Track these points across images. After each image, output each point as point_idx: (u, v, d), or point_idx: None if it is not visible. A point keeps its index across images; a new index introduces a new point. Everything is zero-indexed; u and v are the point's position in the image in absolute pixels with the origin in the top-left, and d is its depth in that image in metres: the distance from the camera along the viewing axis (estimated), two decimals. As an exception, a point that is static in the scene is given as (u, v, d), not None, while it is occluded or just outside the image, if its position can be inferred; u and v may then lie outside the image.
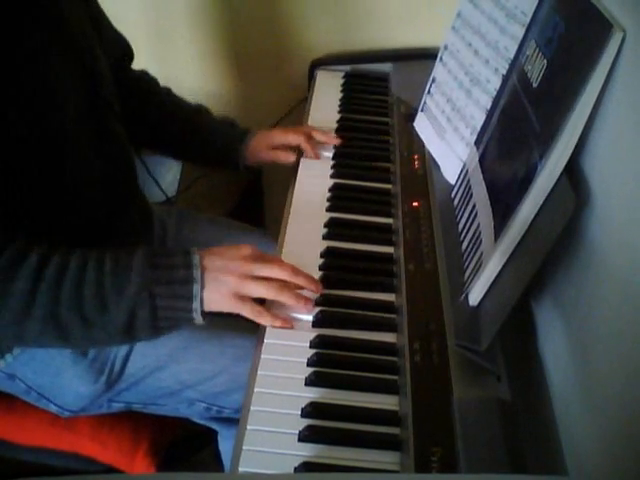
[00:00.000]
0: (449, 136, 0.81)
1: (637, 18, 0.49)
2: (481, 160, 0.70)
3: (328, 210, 0.81)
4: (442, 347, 0.58)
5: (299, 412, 0.57)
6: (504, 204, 0.59)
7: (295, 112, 1.16)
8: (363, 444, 0.55)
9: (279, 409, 0.57)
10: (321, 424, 0.56)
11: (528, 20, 0.67)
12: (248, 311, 0.62)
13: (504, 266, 0.56)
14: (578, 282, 0.52)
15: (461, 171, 0.75)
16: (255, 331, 0.66)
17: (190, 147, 0.93)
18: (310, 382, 0.60)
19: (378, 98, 1.06)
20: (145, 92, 0.91)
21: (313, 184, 0.86)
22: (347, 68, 1.13)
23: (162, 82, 0.95)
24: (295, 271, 0.65)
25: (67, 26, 0.69)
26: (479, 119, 0.74)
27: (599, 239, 0.50)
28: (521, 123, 0.60)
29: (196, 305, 0.60)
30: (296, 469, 0.53)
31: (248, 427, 0.56)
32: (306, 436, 0.55)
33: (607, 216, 0.49)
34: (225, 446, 0.82)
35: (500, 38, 0.73)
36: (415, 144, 0.88)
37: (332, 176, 0.88)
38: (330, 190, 0.85)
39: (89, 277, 0.59)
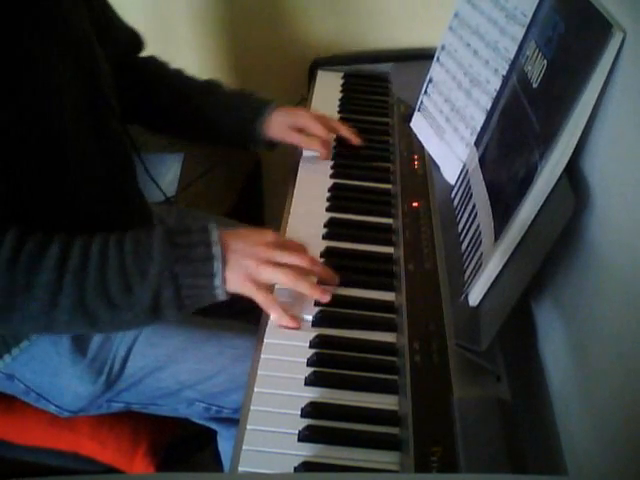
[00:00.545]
0: (448, 136, 0.81)
1: (637, 18, 0.49)
2: (481, 160, 0.70)
3: (328, 210, 0.81)
4: (442, 347, 0.59)
5: (299, 412, 0.57)
6: (504, 204, 0.59)
7: (295, 112, 1.16)
8: (363, 444, 0.55)
9: (279, 409, 0.57)
10: (321, 424, 0.56)
11: (528, 20, 0.67)
12: (261, 298, 0.62)
13: (504, 266, 0.56)
14: (578, 282, 0.52)
15: (461, 171, 0.75)
16: (254, 332, 0.66)
17: (204, 128, 0.90)
18: (310, 382, 0.60)
19: (378, 98, 1.06)
20: (154, 75, 0.90)
21: (313, 184, 0.86)
22: (347, 68, 1.13)
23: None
24: (314, 261, 0.65)
25: (67, 26, 0.68)
26: (479, 119, 0.74)
27: (599, 239, 0.50)
28: (521, 123, 0.60)
29: (218, 282, 0.60)
30: (296, 469, 0.53)
31: (248, 427, 0.56)
32: (306, 436, 0.55)
33: (607, 216, 0.49)
34: (224, 446, 0.82)
35: (500, 39, 0.73)
36: (415, 144, 0.88)
37: (332, 176, 0.88)
38: (330, 190, 0.85)
39: (112, 262, 0.59)
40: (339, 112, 1.02)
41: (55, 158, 0.67)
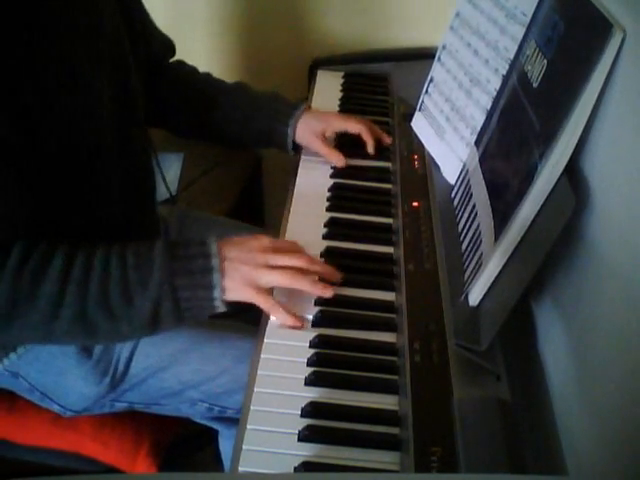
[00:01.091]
0: (449, 136, 0.81)
1: (637, 18, 0.49)
2: (481, 160, 0.70)
3: (328, 210, 0.81)
4: (442, 347, 0.59)
5: (299, 412, 0.57)
6: (504, 204, 0.59)
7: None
8: (363, 444, 0.55)
9: (279, 409, 0.57)
10: (321, 424, 0.56)
11: (528, 20, 0.67)
12: (263, 302, 0.63)
13: (504, 266, 0.56)
14: (578, 282, 0.52)
15: (461, 171, 0.75)
16: (256, 333, 0.66)
17: (233, 129, 0.89)
18: (310, 382, 0.60)
19: (378, 98, 1.06)
20: (185, 80, 0.90)
21: (313, 183, 0.86)
22: (347, 68, 1.13)
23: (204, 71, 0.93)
24: (312, 260, 0.65)
25: (102, 32, 0.68)
26: (479, 119, 0.74)
27: (599, 239, 0.50)
28: (521, 123, 0.60)
29: (217, 294, 0.60)
30: (296, 469, 0.53)
31: (248, 427, 0.56)
32: (306, 436, 0.55)
33: (607, 216, 0.49)
34: (225, 446, 0.82)
35: (500, 38, 0.73)
36: (415, 144, 0.88)
37: (332, 176, 0.88)
38: (330, 190, 0.85)
39: (114, 274, 0.59)
40: (339, 112, 1.02)
41: (79, 160, 0.66)
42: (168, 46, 0.90)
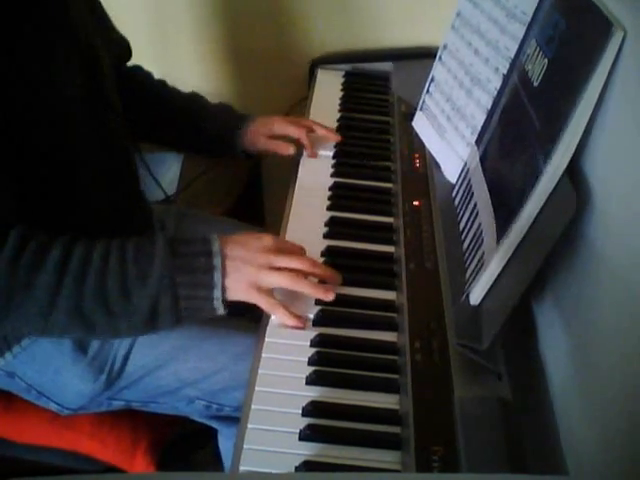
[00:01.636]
0: (449, 135, 0.81)
1: (637, 18, 0.49)
2: (482, 159, 0.70)
3: (329, 209, 0.81)
4: (443, 346, 0.58)
5: (300, 411, 0.57)
6: (505, 203, 0.59)
7: (295, 111, 1.16)
8: (364, 443, 0.55)
9: (280, 408, 0.57)
10: (322, 423, 0.56)
11: (528, 19, 0.67)
12: (264, 303, 0.63)
13: (505, 266, 0.56)
14: (579, 282, 0.52)
15: (462, 170, 0.75)
16: (255, 330, 0.66)
17: (186, 136, 0.92)
18: (311, 381, 0.60)
19: (379, 97, 1.05)
20: (140, 85, 0.91)
21: (314, 183, 0.86)
22: (348, 67, 1.13)
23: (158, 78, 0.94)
24: (314, 263, 0.65)
25: (73, 27, 0.69)
26: (480, 118, 0.74)
27: (600, 239, 0.50)
28: (522, 122, 0.60)
29: (217, 294, 0.60)
30: (297, 468, 0.53)
31: (249, 426, 0.56)
32: (307, 435, 0.55)
33: (608, 216, 0.49)
34: (225, 445, 0.82)
35: (500, 37, 0.73)
36: (416, 143, 0.88)
37: (333, 175, 0.88)
38: (331, 189, 0.85)
39: (112, 267, 0.59)
40: (340, 111, 1.02)
41: (58, 157, 0.67)
42: (126, 48, 0.90)
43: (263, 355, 0.62)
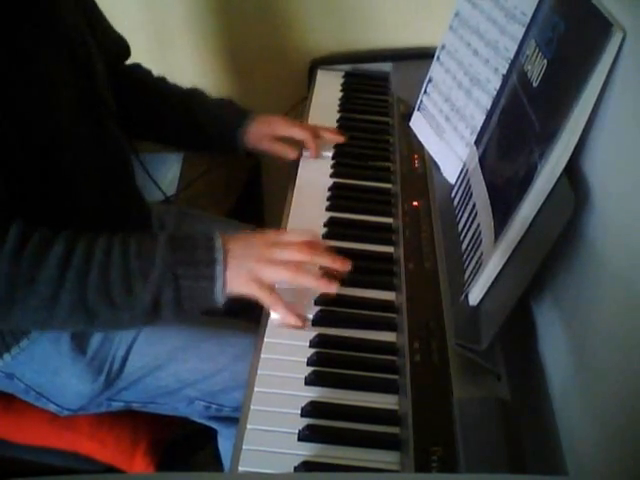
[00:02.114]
0: (448, 136, 0.81)
1: (637, 18, 0.49)
2: (481, 160, 0.70)
3: (328, 209, 0.81)
4: (442, 347, 0.58)
5: (299, 411, 0.57)
6: (504, 204, 0.59)
7: (295, 111, 1.16)
8: (363, 443, 0.55)
9: (279, 408, 0.57)
10: (321, 423, 0.56)
11: (528, 20, 0.67)
12: (265, 297, 0.63)
13: (504, 266, 0.56)
14: (578, 282, 0.52)
15: (461, 171, 0.75)
16: (254, 330, 0.66)
17: (186, 134, 0.91)
18: (310, 381, 0.60)
19: (378, 97, 1.05)
20: (139, 83, 0.91)
21: (313, 183, 0.86)
22: (347, 67, 1.13)
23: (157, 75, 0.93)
24: (317, 252, 0.64)
25: (63, 26, 0.69)
26: (479, 119, 0.74)
27: (599, 239, 0.50)
28: (521, 123, 0.60)
29: (219, 286, 0.60)
30: (296, 468, 0.53)
31: (248, 426, 0.56)
32: (306, 435, 0.55)
33: (607, 216, 0.49)
34: (225, 445, 0.82)
35: (500, 38, 0.73)
36: (415, 143, 0.88)
37: (332, 175, 0.88)
38: (330, 189, 0.85)
39: (115, 261, 0.60)
40: (339, 111, 1.02)
41: (52, 157, 0.67)
42: (124, 47, 0.90)
43: (262, 355, 0.62)
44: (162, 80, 0.93)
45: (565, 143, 0.52)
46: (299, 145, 0.90)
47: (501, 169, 0.64)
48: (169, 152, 1.17)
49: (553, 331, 0.56)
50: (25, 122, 0.63)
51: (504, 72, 0.71)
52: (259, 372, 0.60)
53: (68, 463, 0.83)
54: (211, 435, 0.84)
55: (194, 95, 0.91)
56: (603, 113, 0.51)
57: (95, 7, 0.83)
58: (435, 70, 0.87)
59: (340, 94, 1.07)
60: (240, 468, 0.53)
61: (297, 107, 1.14)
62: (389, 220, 0.80)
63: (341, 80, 1.10)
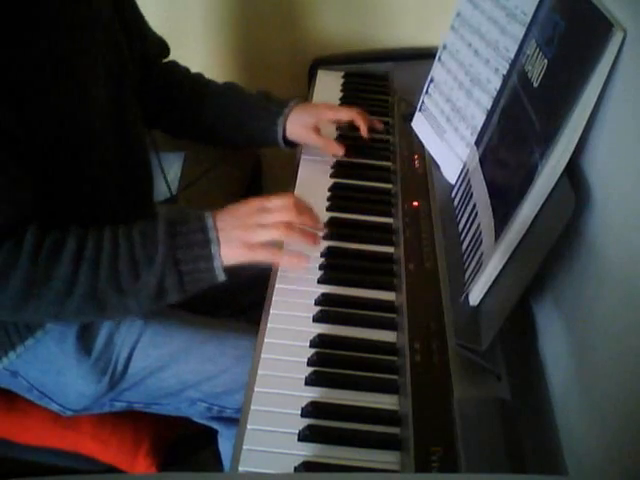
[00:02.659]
0: (449, 136, 0.81)
1: (637, 18, 0.49)
2: (481, 160, 0.70)
3: (328, 210, 0.81)
4: (442, 347, 0.58)
5: (299, 412, 0.57)
6: (504, 204, 0.59)
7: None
8: (363, 444, 0.55)
9: (279, 409, 0.57)
10: (321, 424, 0.56)
11: (528, 20, 0.67)
12: (262, 255, 0.65)
13: (504, 266, 0.56)
14: (578, 282, 0.52)
15: (461, 171, 0.75)
16: (256, 332, 0.66)
17: (226, 130, 0.90)
18: (310, 382, 0.60)
19: (378, 97, 1.05)
20: (178, 80, 0.90)
21: (313, 183, 0.86)
22: (348, 68, 1.13)
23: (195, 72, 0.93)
24: (298, 211, 0.66)
25: (98, 25, 0.70)
26: (479, 119, 0.74)
27: (599, 239, 0.50)
28: (521, 123, 0.60)
29: (217, 263, 0.63)
30: (296, 469, 0.53)
31: (248, 427, 0.56)
32: (306, 436, 0.55)
33: (607, 216, 0.49)
34: (225, 446, 0.82)
35: (500, 38, 0.73)
36: (415, 143, 0.88)
37: (332, 175, 0.88)
38: (330, 189, 0.85)
39: (122, 252, 0.63)
40: (340, 111, 1.02)
41: (81, 157, 0.68)
42: (162, 46, 0.90)
43: (262, 356, 0.62)
44: (198, 77, 0.92)
45: (565, 143, 0.52)
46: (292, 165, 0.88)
47: (501, 169, 0.64)
48: (170, 151, 1.17)
49: (553, 331, 0.56)
50: (57, 122, 0.65)
51: (505, 72, 0.71)
52: (259, 372, 0.61)
53: (70, 463, 0.83)
54: (212, 435, 0.84)
55: (230, 90, 0.90)
56: (603, 113, 0.51)
57: (134, 8, 0.83)
58: (436, 70, 0.87)
59: (340, 94, 1.07)
60: (240, 468, 0.53)
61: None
62: (389, 220, 0.80)
63: (341, 80, 1.10)
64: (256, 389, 0.59)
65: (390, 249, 0.75)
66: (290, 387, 0.59)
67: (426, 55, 0.94)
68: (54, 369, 0.74)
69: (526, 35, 0.67)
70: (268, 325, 0.65)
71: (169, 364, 0.74)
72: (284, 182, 0.88)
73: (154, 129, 0.92)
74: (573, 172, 0.53)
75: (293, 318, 0.66)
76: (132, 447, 0.81)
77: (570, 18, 0.57)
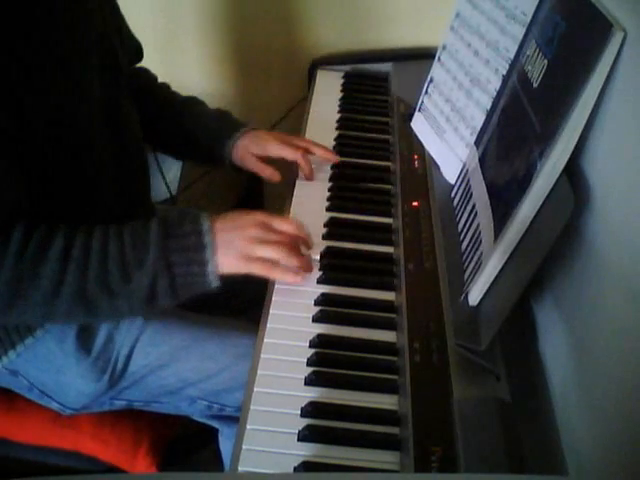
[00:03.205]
0: (448, 136, 0.81)
1: (637, 18, 0.49)
2: (481, 160, 0.70)
3: (328, 210, 0.81)
4: (442, 347, 0.58)
5: (299, 412, 0.57)
6: (504, 204, 0.59)
7: (295, 112, 1.16)
8: (363, 444, 0.55)
9: (279, 409, 0.57)
10: (321, 424, 0.56)
11: (528, 20, 0.67)
12: (258, 269, 0.65)
13: (504, 266, 0.56)
14: (578, 282, 0.52)
15: (461, 171, 0.75)
16: (256, 330, 0.66)
17: (178, 142, 0.90)
18: (310, 382, 0.60)
19: (378, 98, 1.06)
20: (144, 86, 0.91)
21: (313, 184, 0.86)
22: (347, 68, 1.13)
23: (162, 81, 0.94)
24: (299, 239, 0.67)
25: (91, 24, 0.69)
26: (479, 119, 0.74)
27: (599, 239, 0.50)
28: (521, 123, 0.60)
29: (211, 268, 0.62)
30: (296, 469, 0.53)
31: (248, 427, 0.56)
32: (306, 436, 0.55)
33: (607, 216, 0.49)
34: (225, 445, 0.82)
35: (500, 38, 0.73)
36: (415, 144, 0.88)
37: (332, 176, 0.88)
38: (330, 190, 0.85)
39: (112, 253, 0.61)
40: (339, 112, 1.02)
41: (78, 157, 0.68)
42: (139, 50, 0.90)
43: (262, 356, 0.62)
44: (164, 87, 0.93)
45: (565, 143, 0.52)
46: (292, 165, 0.86)
47: (501, 169, 0.64)
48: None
49: (553, 331, 0.56)
50: (54, 122, 0.64)
51: (504, 72, 0.71)
52: (259, 372, 0.61)
53: (70, 463, 0.83)
54: (212, 434, 0.84)
55: (190, 104, 0.90)
56: (603, 113, 0.51)
57: (117, 7, 0.83)
58: (436, 71, 0.87)
59: (340, 94, 1.07)
60: (240, 468, 0.53)
61: (297, 107, 1.14)
62: (389, 220, 0.80)
63: (341, 80, 1.10)
64: (256, 389, 0.59)
65: (390, 249, 0.75)
66: (290, 387, 0.59)
67: (426, 55, 0.94)
68: (54, 368, 0.73)
69: (526, 35, 0.67)
70: (268, 325, 0.65)
71: (169, 362, 0.74)
72: (284, 183, 0.88)
73: None
74: (573, 172, 0.53)
75: (293, 318, 0.66)
76: (132, 446, 0.81)
77: (570, 18, 0.57)
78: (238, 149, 0.85)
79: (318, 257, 0.73)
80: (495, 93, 0.72)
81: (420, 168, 0.84)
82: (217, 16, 1.17)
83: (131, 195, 0.78)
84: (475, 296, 0.58)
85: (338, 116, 1.01)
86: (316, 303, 0.67)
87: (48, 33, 0.63)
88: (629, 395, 0.43)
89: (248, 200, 1.28)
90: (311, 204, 0.82)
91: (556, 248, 0.52)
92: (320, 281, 0.70)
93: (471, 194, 0.69)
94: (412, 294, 0.65)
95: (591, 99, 0.51)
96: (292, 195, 0.84)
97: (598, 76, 0.50)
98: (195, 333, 0.75)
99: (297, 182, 0.86)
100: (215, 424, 0.82)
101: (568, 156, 0.52)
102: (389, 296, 0.69)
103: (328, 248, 0.75)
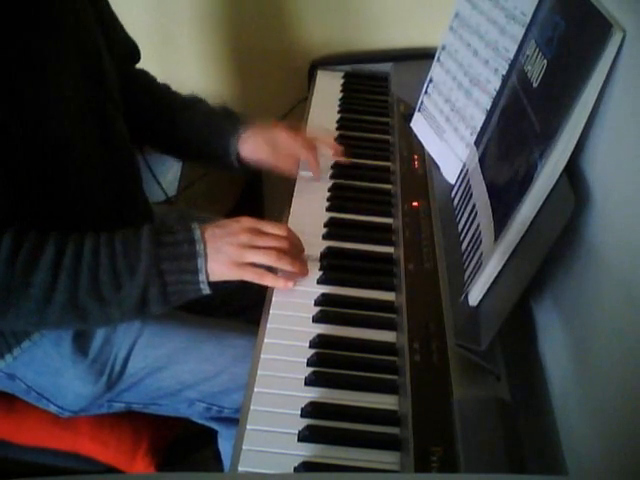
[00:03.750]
0: (448, 136, 0.81)
1: (637, 18, 0.49)
2: (481, 160, 0.70)
3: (328, 210, 0.82)
4: (442, 347, 0.58)
5: (299, 412, 0.57)
6: (504, 204, 0.59)
7: (295, 112, 1.16)
8: (363, 444, 0.55)
9: (279, 409, 0.57)
10: (321, 424, 0.56)
11: (528, 20, 0.67)
12: (250, 275, 0.65)
13: (504, 266, 0.56)
14: (578, 282, 0.52)
15: (461, 171, 0.75)
16: (254, 332, 0.66)
17: (180, 143, 0.89)
18: (310, 382, 0.60)
19: (378, 98, 1.06)
20: (142, 89, 0.90)
21: (313, 184, 0.86)
22: (347, 68, 1.13)
23: (163, 82, 0.94)
24: (291, 244, 0.67)
25: (76, 26, 0.69)
26: (479, 119, 0.74)
27: (599, 239, 0.50)
28: (521, 123, 0.60)
29: (202, 277, 0.62)
30: (296, 469, 0.53)
31: (248, 427, 0.56)
32: (306, 436, 0.55)
33: (607, 216, 0.49)
34: (225, 446, 0.82)
35: (500, 38, 0.73)
36: (415, 144, 0.88)
37: (332, 176, 0.88)
38: (330, 190, 0.85)
39: (103, 261, 0.61)
40: (339, 112, 1.02)
41: (59, 157, 0.67)
42: (135, 51, 0.89)
43: (262, 356, 0.62)
44: (164, 88, 0.92)
45: (565, 143, 0.52)
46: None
47: (501, 169, 0.64)
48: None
49: (553, 331, 0.56)
50: (32, 122, 0.64)
51: (504, 72, 0.71)
52: (259, 372, 0.60)
53: (69, 464, 0.83)
54: (212, 435, 0.84)
55: (193, 101, 0.89)
56: (603, 113, 0.51)
57: (108, 6, 0.83)
58: (436, 71, 0.87)
59: (340, 94, 1.07)
60: (240, 468, 0.53)
61: (297, 108, 1.14)
62: (389, 220, 0.80)
63: (341, 80, 1.11)
64: (256, 389, 0.59)
65: (390, 249, 0.75)
66: (290, 387, 0.59)
67: (425, 55, 0.94)
68: (51, 371, 0.73)
69: (525, 35, 0.67)
70: (268, 325, 0.65)
71: (167, 364, 0.74)
72: (284, 183, 0.88)
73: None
74: (573, 172, 0.53)
75: (293, 318, 0.66)
76: (131, 447, 0.81)
77: (569, 18, 0.57)
78: (247, 141, 0.83)
79: (318, 257, 0.73)
80: (495, 93, 0.72)
81: (420, 168, 0.84)
82: (216, 16, 1.17)
83: (122, 196, 0.77)
84: (475, 296, 0.58)
85: (338, 116, 1.01)
86: (316, 303, 0.67)
87: (25, 34, 0.62)
88: (629, 395, 0.43)
89: (248, 200, 1.27)
90: (311, 204, 0.82)
91: (556, 248, 0.52)
92: (320, 281, 0.70)
93: (471, 194, 0.69)
94: (412, 294, 0.65)
95: (591, 99, 0.51)
96: (292, 195, 0.84)
97: (598, 76, 0.50)
98: (193, 335, 0.75)
99: (297, 182, 0.86)
100: (214, 426, 0.82)
101: (568, 156, 0.52)
102: (389, 296, 0.69)
103: (328, 248, 0.75)
